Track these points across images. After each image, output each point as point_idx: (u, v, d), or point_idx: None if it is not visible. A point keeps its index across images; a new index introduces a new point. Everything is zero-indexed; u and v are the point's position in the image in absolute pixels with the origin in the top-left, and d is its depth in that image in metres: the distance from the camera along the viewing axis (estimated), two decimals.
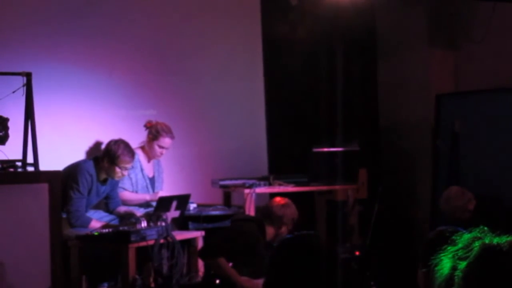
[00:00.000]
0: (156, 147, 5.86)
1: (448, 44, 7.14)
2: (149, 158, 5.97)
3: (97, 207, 5.68)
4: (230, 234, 4.82)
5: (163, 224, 5.08)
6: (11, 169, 4.80)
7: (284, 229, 4.85)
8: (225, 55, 6.71)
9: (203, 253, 4.87)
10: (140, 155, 5.90)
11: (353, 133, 6.83)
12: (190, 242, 5.49)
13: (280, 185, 6.16)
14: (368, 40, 7.57)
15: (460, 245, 1.54)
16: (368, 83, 7.55)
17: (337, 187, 6.36)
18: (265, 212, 4.93)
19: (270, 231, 4.84)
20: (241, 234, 4.73)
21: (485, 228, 1.58)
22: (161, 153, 5.90)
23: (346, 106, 7.04)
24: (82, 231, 5.17)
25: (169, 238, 5.08)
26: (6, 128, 4.81)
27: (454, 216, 5.27)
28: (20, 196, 4.66)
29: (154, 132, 5.86)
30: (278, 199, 5.01)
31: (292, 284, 2.14)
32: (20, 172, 4.85)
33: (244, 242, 4.69)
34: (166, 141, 5.86)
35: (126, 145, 5.46)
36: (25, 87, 4.98)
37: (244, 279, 4.59)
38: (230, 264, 4.64)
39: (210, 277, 4.77)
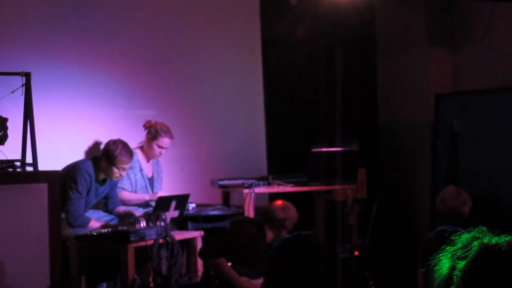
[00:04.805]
0: (155, 147, 5.86)
1: (448, 44, 7.14)
2: (148, 158, 5.97)
3: (96, 207, 5.68)
4: (231, 235, 4.84)
5: (162, 224, 5.08)
6: (10, 169, 4.80)
7: (284, 233, 4.83)
8: (225, 55, 6.71)
9: (203, 253, 4.87)
10: (139, 155, 5.89)
11: (353, 133, 6.82)
12: (189, 242, 5.49)
13: (279, 185, 6.15)
14: (367, 40, 7.56)
15: (459, 245, 1.54)
16: (367, 83, 7.54)
17: (336, 187, 6.35)
18: (266, 216, 4.91)
19: (270, 234, 4.85)
20: (241, 236, 4.75)
21: (484, 228, 1.58)
22: (160, 153, 5.90)
23: (345, 106, 7.04)
24: (81, 231, 5.17)
25: (168, 238, 5.08)
26: (5, 128, 4.80)
27: (449, 216, 5.24)
28: (19, 196, 4.66)
29: (153, 132, 5.86)
30: (278, 202, 5.00)
31: (291, 284, 2.14)
32: (19, 172, 4.85)
33: (244, 243, 4.71)
34: (165, 141, 5.86)
35: (125, 145, 5.45)
36: (24, 87, 4.97)
37: (243, 280, 4.61)
38: (229, 264, 4.65)
39: (209, 277, 4.76)
